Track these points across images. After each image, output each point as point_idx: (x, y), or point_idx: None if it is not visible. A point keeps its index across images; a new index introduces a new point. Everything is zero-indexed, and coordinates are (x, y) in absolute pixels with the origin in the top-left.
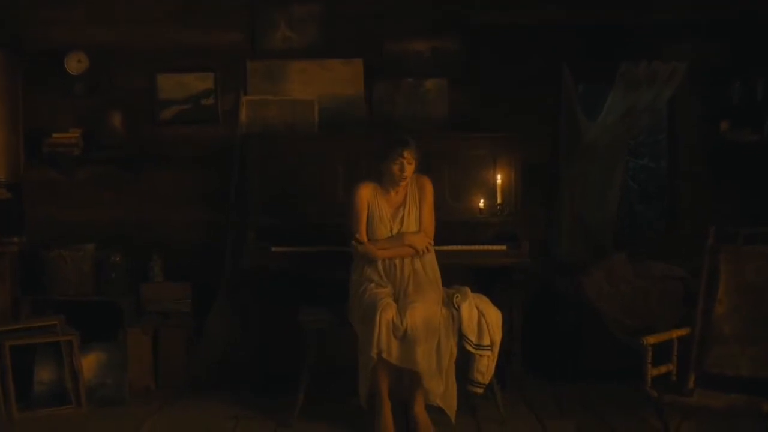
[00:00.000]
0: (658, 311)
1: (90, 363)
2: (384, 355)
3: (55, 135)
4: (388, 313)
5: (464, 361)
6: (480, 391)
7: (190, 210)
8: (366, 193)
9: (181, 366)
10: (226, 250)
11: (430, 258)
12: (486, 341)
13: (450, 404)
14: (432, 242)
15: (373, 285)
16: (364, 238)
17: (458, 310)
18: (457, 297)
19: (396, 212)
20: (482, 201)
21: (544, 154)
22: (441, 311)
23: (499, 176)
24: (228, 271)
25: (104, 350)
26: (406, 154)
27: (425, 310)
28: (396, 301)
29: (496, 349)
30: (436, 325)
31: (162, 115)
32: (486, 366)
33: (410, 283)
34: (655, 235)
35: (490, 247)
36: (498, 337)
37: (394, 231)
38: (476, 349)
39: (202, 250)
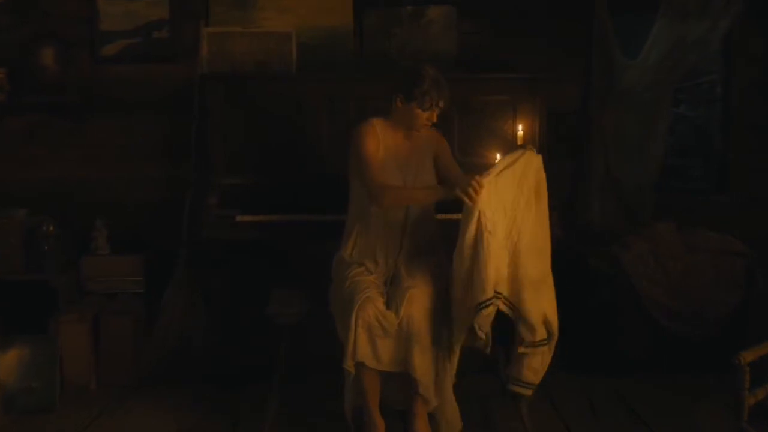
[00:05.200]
0: (711, 294)
1: (11, 361)
2: (367, 363)
3: None
4: (367, 310)
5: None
6: (529, 393)
7: (141, 166)
8: (372, 132)
9: (128, 361)
10: (184, 217)
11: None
12: (541, 335)
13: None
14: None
15: (362, 270)
16: (381, 180)
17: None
18: None
19: (407, 160)
20: (500, 156)
21: (572, 100)
22: (440, 289)
23: (520, 126)
24: (187, 243)
25: (30, 345)
26: (442, 105)
27: (424, 298)
28: (390, 279)
29: (555, 339)
30: (436, 313)
31: (105, 50)
32: (541, 362)
33: (404, 255)
34: (700, 199)
35: None
36: (555, 325)
37: (407, 182)
38: (531, 347)
39: (157, 216)
